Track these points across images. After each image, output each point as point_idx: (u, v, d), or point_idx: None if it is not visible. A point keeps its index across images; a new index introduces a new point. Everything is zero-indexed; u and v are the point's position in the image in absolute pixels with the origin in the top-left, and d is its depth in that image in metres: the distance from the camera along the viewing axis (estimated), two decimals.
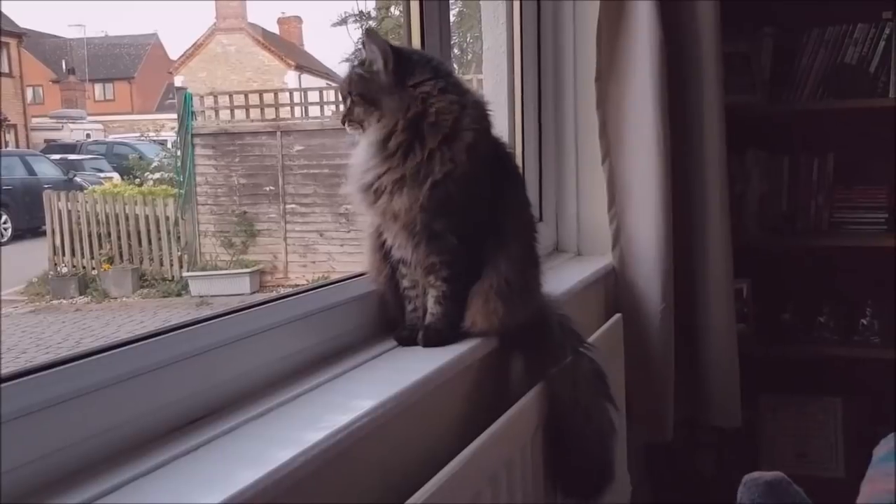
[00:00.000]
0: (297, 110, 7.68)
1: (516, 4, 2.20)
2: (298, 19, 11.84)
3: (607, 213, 2.25)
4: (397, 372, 1.20)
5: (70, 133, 8.11)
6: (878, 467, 1.24)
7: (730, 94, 2.40)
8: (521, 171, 1.69)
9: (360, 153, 1.29)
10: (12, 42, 5.89)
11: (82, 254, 6.36)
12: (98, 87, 11.21)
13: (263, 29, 9.77)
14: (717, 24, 2.28)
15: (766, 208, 2.89)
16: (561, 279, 1.91)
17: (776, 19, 2.87)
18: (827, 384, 2.87)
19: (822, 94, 2.80)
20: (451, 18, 1.79)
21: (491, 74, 2.17)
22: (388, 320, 1.40)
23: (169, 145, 7.62)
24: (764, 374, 2.77)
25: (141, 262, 6.45)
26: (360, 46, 1.31)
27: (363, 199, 1.29)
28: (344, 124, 1.31)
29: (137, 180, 7.09)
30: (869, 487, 1.21)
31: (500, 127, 2.07)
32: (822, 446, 2.85)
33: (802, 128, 2.90)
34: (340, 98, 1.32)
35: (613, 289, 2.26)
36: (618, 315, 2.10)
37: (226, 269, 6.48)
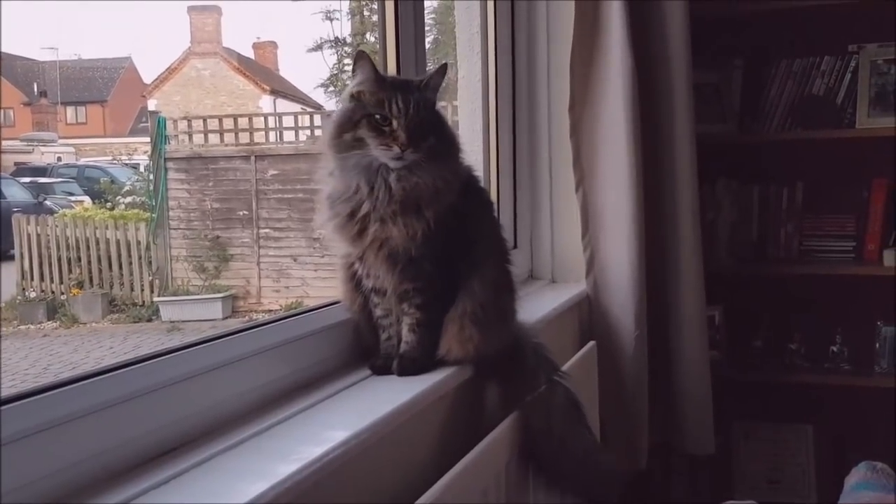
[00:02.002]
0: (272, 135, 7.67)
1: (491, 34, 2.23)
2: (274, 44, 11.85)
3: (581, 240, 2.27)
4: (372, 402, 1.19)
5: (41, 156, 8.03)
6: (849, 496, 1.26)
7: (700, 123, 2.44)
8: (489, 193, 1.70)
9: (339, 182, 1.27)
10: None
11: (51, 278, 6.28)
12: (70, 110, 11.12)
13: (239, 53, 9.78)
14: (688, 54, 2.32)
15: (737, 236, 2.93)
16: (535, 306, 1.92)
17: (745, 51, 2.92)
18: (798, 411, 2.89)
19: (790, 125, 2.85)
20: (427, 45, 1.80)
21: (466, 102, 2.19)
22: (364, 349, 1.39)
23: (141, 169, 7.56)
24: (736, 401, 2.79)
25: (111, 287, 6.37)
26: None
27: (343, 228, 1.28)
28: (405, 150, 1.21)
29: (109, 204, 7.01)
30: None
31: (476, 155, 2.09)
32: (794, 473, 2.87)
33: (772, 157, 2.95)
34: (401, 121, 1.22)
35: (587, 316, 2.27)
36: (592, 342, 2.10)
37: (198, 294, 6.42)
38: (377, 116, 1.22)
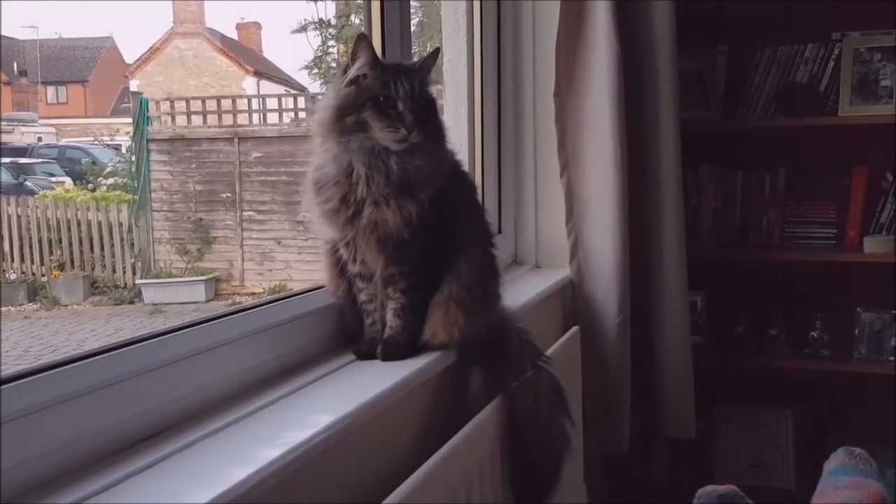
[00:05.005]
0: (256, 117, 7.63)
1: (477, 18, 2.22)
2: (258, 25, 11.78)
3: (565, 226, 2.27)
4: (356, 387, 1.19)
5: (21, 136, 7.94)
6: (828, 481, 1.28)
7: (685, 110, 2.44)
8: (472, 178, 1.71)
9: (334, 166, 1.26)
10: None
11: (32, 260, 6.23)
12: (51, 90, 11.01)
13: (222, 34, 9.70)
14: (673, 41, 2.32)
15: (720, 222, 2.94)
16: (519, 291, 1.92)
17: (730, 38, 2.93)
18: (778, 396, 2.92)
19: (773, 112, 2.86)
20: (412, 28, 1.79)
21: (451, 86, 2.18)
22: (348, 334, 1.39)
23: (123, 150, 7.50)
24: (717, 386, 2.82)
25: (93, 269, 6.33)
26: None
27: (336, 212, 1.27)
28: (411, 132, 1.22)
29: (90, 185, 6.96)
30: (820, 502, 1.24)
31: (461, 139, 2.09)
32: (774, 457, 2.91)
33: (755, 144, 2.96)
34: (407, 103, 1.22)
35: (571, 301, 2.27)
36: (575, 327, 2.11)
37: (180, 276, 6.39)
38: (382, 99, 1.23)
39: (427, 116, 1.25)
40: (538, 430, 1.44)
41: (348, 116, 1.23)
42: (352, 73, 1.24)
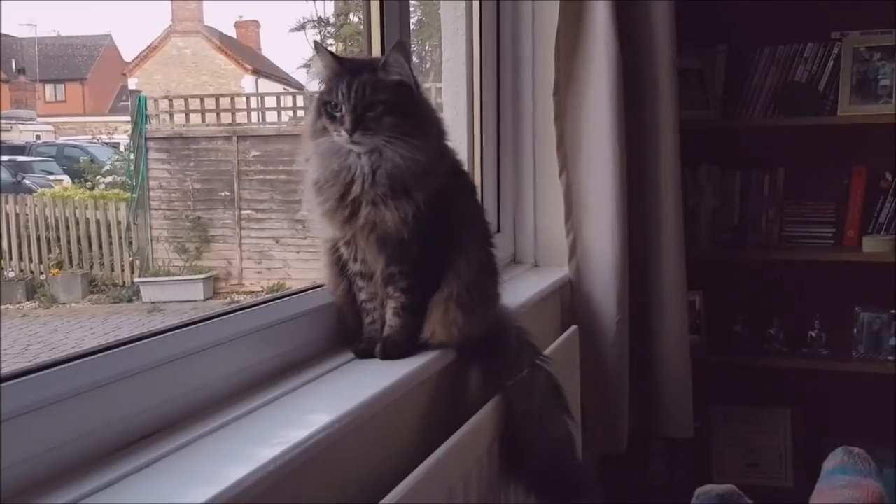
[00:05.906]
0: (254, 115, 7.62)
1: (476, 17, 2.21)
2: (256, 23, 11.76)
3: (564, 225, 2.27)
4: (354, 386, 1.19)
5: (19, 134, 7.93)
6: (826, 481, 1.28)
7: (684, 109, 2.44)
8: (472, 177, 1.70)
9: (321, 167, 1.27)
10: None
11: (30, 258, 6.22)
12: (49, 88, 10.99)
13: (221, 32, 9.69)
14: (673, 40, 2.32)
15: (719, 222, 2.94)
16: (518, 291, 1.92)
17: (729, 37, 2.93)
18: (776, 395, 2.92)
19: (773, 111, 2.86)
20: (411, 27, 1.79)
21: (450, 85, 2.18)
22: (347, 333, 1.39)
23: (122, 148, 7.49)
24: (715, 385, 2.82)
25: (91, 268, 6.32)
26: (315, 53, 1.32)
27: (334, 212, 1.27)
28: (352, 134, 1.21)
29: (89, 184, 6.94)
30: (818, 501, 1.24)
31: (460, 139, 2.09)
32: (772, 456, 2.91)
33: (754, 143, 2.96)
34: (347, 105, 1.22)
35: (570, 300, 2.27)
36: (574, 327, 2.11)
37: (179, 275, 6.38)
38: (330, 103, 1.24)
39: (382, 114, 1.23)
40: (534, 428, 1.43)
41: (317, 120, 1.27)
42: (313, 76, 1.27)
